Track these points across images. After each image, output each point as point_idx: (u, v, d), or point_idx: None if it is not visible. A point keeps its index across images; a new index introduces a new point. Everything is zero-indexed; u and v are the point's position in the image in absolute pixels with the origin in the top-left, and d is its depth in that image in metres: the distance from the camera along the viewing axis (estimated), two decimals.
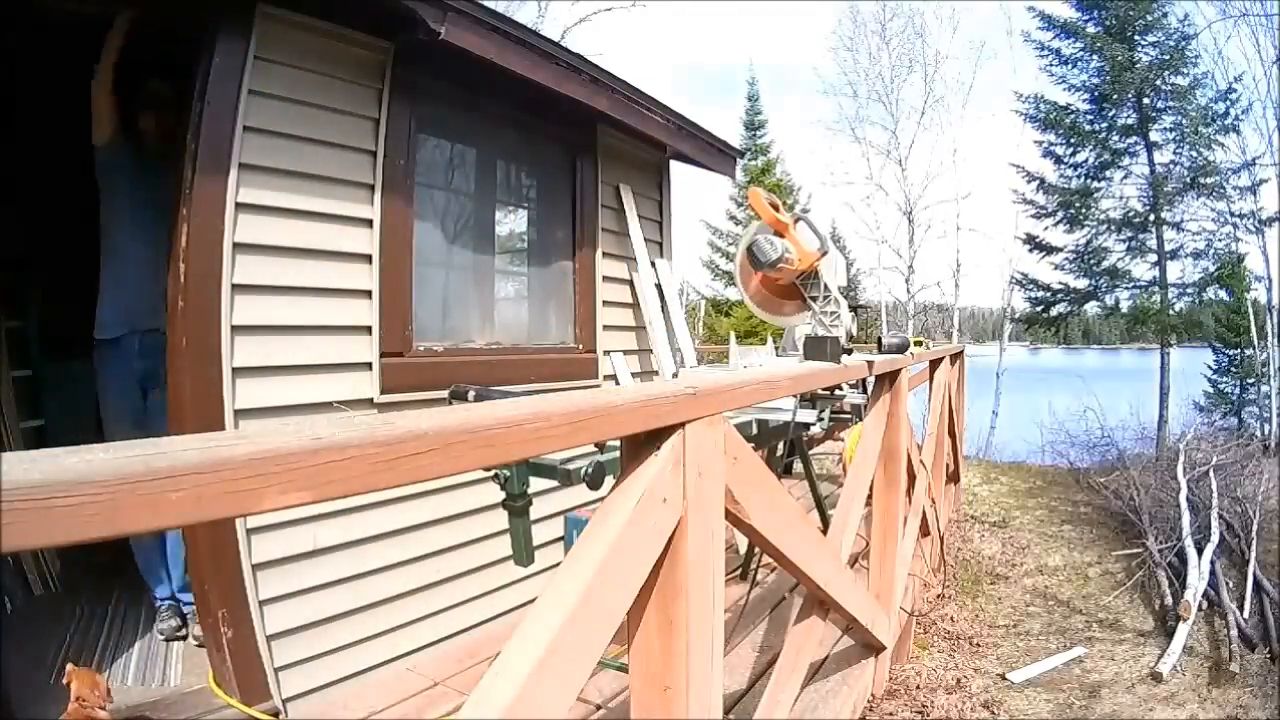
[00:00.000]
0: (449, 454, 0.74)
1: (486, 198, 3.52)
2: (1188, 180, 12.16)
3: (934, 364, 4.38)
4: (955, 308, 17.21)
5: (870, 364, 2.32)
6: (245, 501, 0.57)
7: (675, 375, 3.80)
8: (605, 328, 3.92)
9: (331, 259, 2.57)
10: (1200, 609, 4.28)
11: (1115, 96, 12.62)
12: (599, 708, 2.35)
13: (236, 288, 2.28)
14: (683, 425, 1.10)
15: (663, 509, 1.07)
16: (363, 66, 2.67)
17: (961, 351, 6.87)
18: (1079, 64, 13.25)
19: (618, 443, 1.14)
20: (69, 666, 1.95)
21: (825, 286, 2.66)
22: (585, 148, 3.83)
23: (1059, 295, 13.87)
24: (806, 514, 2.15)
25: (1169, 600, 4.48)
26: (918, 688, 3.01)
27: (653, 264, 4.24)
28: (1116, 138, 12.98)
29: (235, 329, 2.28)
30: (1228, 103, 12.10)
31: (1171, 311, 12.55)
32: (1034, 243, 13.97)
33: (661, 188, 4.52)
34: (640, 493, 1.03)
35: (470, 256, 3.39)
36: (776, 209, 2.65)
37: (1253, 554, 4.77)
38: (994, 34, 28.21)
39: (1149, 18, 12.33)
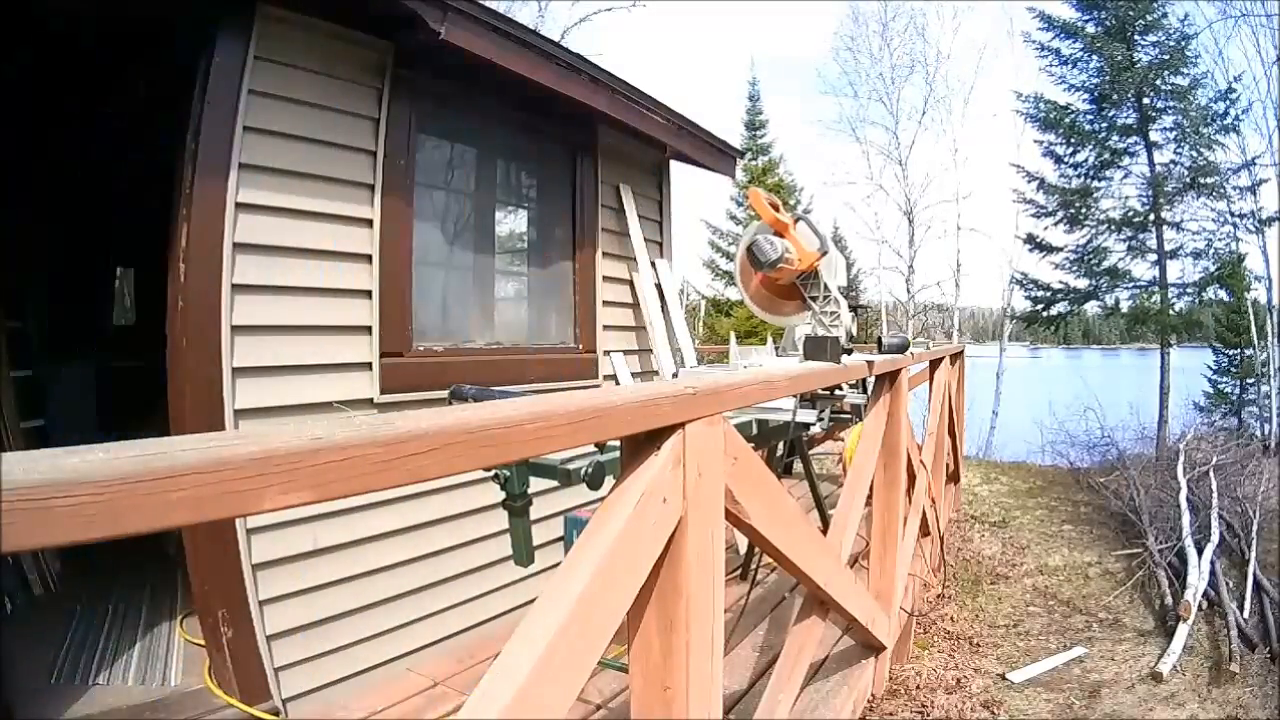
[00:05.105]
0: (449, 454, 0.74)
1: (486, 198, 3.52)
2: (1188, 180, 12.14)
3: (934, 364, 4.38)
4: (955, 308, 17.21)
5: (870, 364, 2.31)
6: (245, 501, 0.57)
7: (675, 375, 3.79)
8: (605, 328, 3.91)
9: (331, 259, 2.57)
10: (1200, 609, 4.28)
11: (1115, 96, 12.60)
12: (599, 708, 2.35)
13: (236, 288, 2.28)
14: (682, 425, 1.10)
15: (663, 509, 1.07)
16: (363, 66, 2.67)
17: (961, 351, 6.86)
18: (1079, 64, 13.23)
19: (618, 443, 1.14)
20: None
21: (825, 286, 2.66)
22: (585, 147, 3.83)
23: (1059, 295, 13.84)
24: (806, 514, 2.15)
25: (1169, 600, 4.48)
26: (918, 688, 3.01)
27: (653, 264, 4.24)
28: (1116, 138, 12.96)
29: (235, 329, 2.28)
30: (1228, 103, 12.08)
31: (1171, 311, 12.53)
32: (1034, 243, 13.96)
33: (661, 188, 4.52)
34: (640, 493, 1.03)
35: (470, 256, 3.39)
36: (776, 209, 2.65)
37: (1253, 554, 4.76)
38: (995, 34, 28.22)
39: (1149, 18, 12.31)
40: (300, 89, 2.46)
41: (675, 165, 4.65)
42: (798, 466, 4.81)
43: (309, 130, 2.49)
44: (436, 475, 0.73)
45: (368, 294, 2.68)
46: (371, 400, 2.68)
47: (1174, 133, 12.52)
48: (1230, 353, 13.77)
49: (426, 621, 2.83)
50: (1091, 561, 5.48)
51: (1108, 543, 5.83)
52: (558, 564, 1.04)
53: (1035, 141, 13.76)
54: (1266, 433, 11.45)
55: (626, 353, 4.06)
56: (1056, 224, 13.65)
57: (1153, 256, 12.82)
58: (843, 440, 5.86)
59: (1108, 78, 12.59)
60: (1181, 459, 6.71)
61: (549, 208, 3.79)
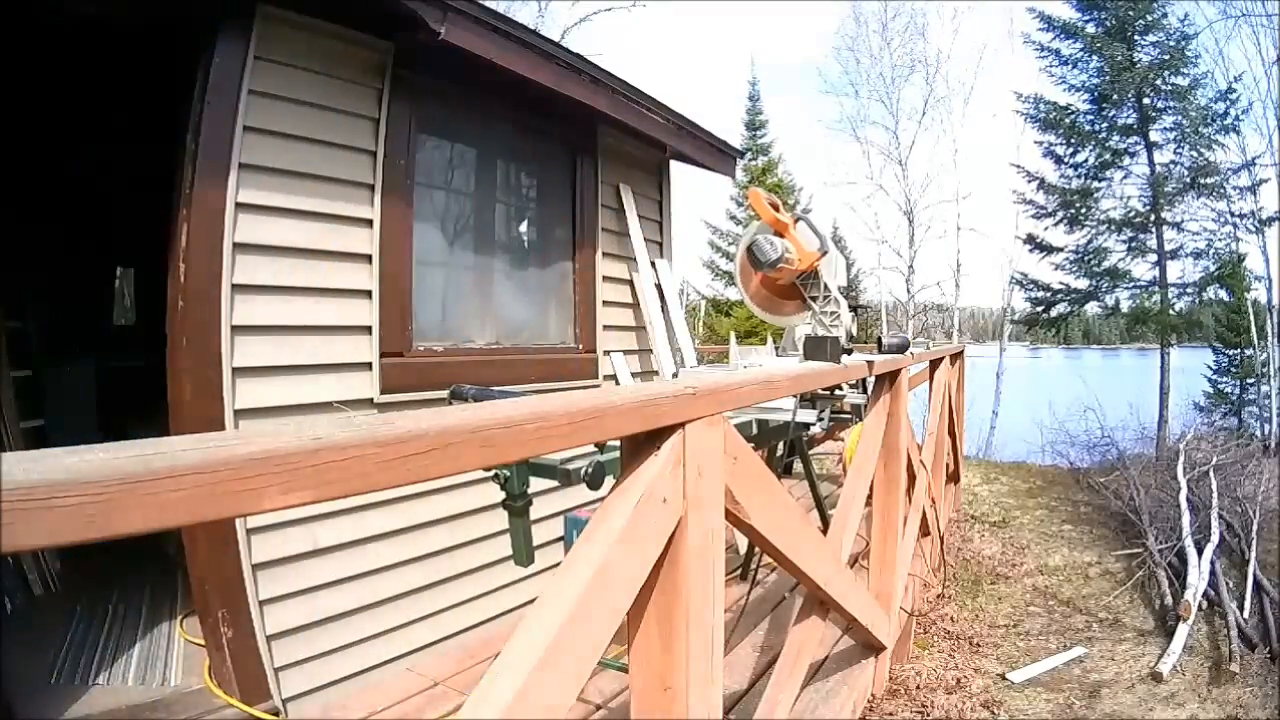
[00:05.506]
0: (449, 454, 0.74)
1: (486, 198, 3.52)
2: (1188, 180, 12.14)
3: (934, 364, 4.38)
4: (955, 308, 17.21)
5: (870, 364, 2.31)
6: (245, 501, 0.57)
7: (675, 375, 3.79)
8: (605, 328, 3.91)
9: (331, 259, 2.57)
10: (1200, 609, 4.28)
11: (1115, 96, 12.60)
12: (599, 708, 2.35)
13: (236, 288, 2.28)
14: (682, 425, 1.10)
15: (663, 509, 1.07)
16: (363, 66, 2.67)
17: (961, 351, 6.86)
18: (1079, 64, 13.24)
19: (618, 443, 1.14)
20: None
21: (825, 286, 2.66)
22: (585, 148, 3.83)
23: (1059, 295, 13.84)
24: (806, 514, 2.15)
25: (1169, 600, 4.48)
26: (918, 688, 3.00)
27: (653, 264, 4.24)
28: (1116, 138, 12.96)
29: (235, 329, 2.28)
30: (1228, 103, 12.08)
31: (1171, 311, 12.53)
32: (1034, 243, 13.95)
33: (661, 188, 4.52)
34: (640, 493, 1.03)
35: (470, 256, 3.39)
36: (776, 209, 2.65)
37: (1253, 554, 4.76)
38: (995, 34, 28.21)
39: (1149, 18, 12.31)
40: (300, 89, 2.46)
41: (675, 165, 4.65)
42: (798, 466, 4.81)
43: (309, 130, 2.49)
44: (436, 475, 0.73)
45: (368, 294, 2.68)
46: (371, 400, 2.68)
47: (1174, 133, 12.52)
48: (1230, 353, 13.76)
49: (426, 621, 2.83)
50: (1091, 561, 5.48)
51: (1108, 543, 5.83)
52: (558, 564, 1.04)
53: (1035, 142, 13.78)
54: (1266, 433, 11.46)
55: (626, 353, 4.06)
56: (1056, 224, 13.66)
57: (1153, 257, 12.83)
58: (843, 440, 5.86)
59: (1108, 78, 12.59)
60: (1181, 459, 6.71)
61: (549, 208, 3.79)
